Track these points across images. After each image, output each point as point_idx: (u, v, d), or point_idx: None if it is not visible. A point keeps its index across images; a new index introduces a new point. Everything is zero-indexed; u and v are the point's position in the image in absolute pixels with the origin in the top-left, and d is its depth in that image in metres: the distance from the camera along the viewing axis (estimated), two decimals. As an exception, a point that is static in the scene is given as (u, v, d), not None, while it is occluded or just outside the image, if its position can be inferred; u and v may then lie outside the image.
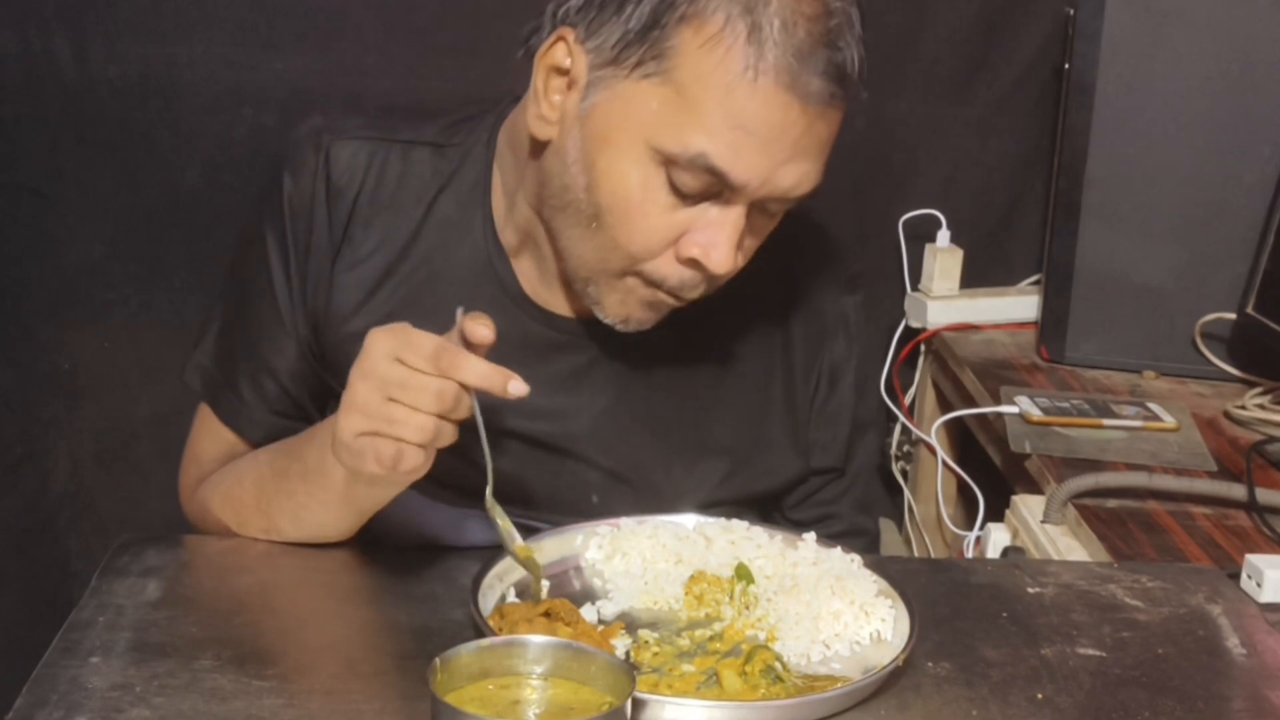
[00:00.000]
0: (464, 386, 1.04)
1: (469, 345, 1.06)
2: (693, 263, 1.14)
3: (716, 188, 1.11)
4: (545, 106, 1.15)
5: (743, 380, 1.32)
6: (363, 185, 1.24)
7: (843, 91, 1.10)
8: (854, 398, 1.38)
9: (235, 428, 1.30)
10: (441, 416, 1.04)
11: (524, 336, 1.25)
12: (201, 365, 1.31)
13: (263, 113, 1.88)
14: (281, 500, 1.20)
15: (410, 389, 1.02)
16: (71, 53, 1.82)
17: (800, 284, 1.34)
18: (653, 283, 1.16)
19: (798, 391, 1.34)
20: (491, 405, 1.23)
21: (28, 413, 1.93)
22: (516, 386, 1.04)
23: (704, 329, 1.29)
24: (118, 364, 1.94)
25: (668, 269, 1.15)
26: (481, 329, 1.04)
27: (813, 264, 1.35)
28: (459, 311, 1.06)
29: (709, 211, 1.13)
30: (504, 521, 1.10)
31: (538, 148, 1.18)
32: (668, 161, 1.10)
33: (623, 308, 1.19)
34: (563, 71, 1.14)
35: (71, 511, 1.97)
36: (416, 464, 1.05)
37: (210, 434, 1.32)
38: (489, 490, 1.10)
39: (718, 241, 1.13)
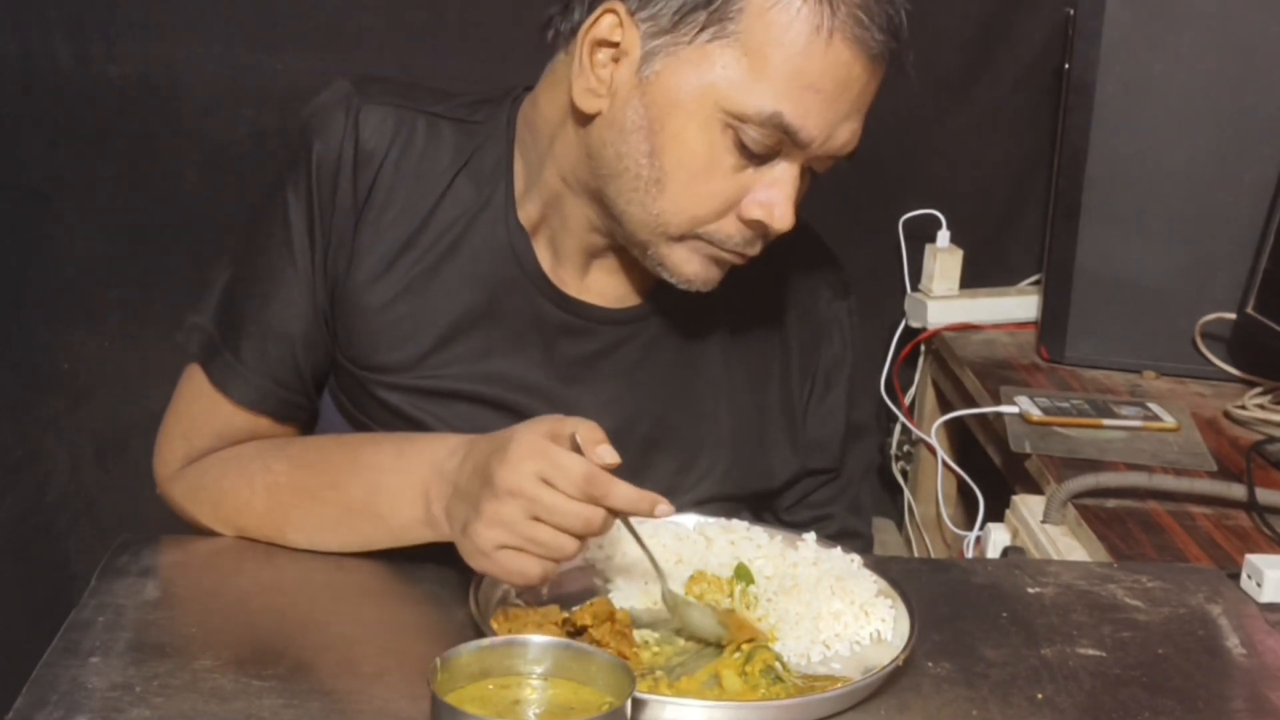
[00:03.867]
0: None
1: None
2: (755, 222, 1.17)
3: (781, 146, 1.14)
4: (593, 80, 1.17)
5: (742, 379, 1.33)
6: (389, 151, 1.24)
7: (898, 45, 1.15)
8: (848, 401, 1.39)
9: (226, 389, 1.26)
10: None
11: (536, 315, 1.26)
12: (198, 325, 1.28)
13: (263, 113, 1.88)
14: (299, 518, 1.20)
15: (559, 514, 1.03)
16: (71, 53, 1.82)
17: (793, 288, 1.35)
18: (713, 242, 1.19)
19: (794, 393, 1.35)
20: (488, 377, 1.25)
21: (27, 413, 1.93)
22: (664, 509, 1.06)
23: (705, 327, 1.31)
24: (118, 364, 1.94)
25: (730, 228, 1.18)
26: (610, 459, 1.04)
27: (805, 269, 1.36)
28: (575, 436, 1.05)
29: (768, 172, 1.16)
30: (693, 602, 1.10)
31: (583, 121, 1.19)
32: (737, 122, 1.13)
33: (687, 266, 1.21)
34: (610, 44, 1.16)
35: (71, 513, 1.97)
36: (554, 576, 1.07)
37: (202, 403, 1.28)
38: (664, 586, 1.10)
39: (778, 200, 1.16)
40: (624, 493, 1.03)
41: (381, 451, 1.18)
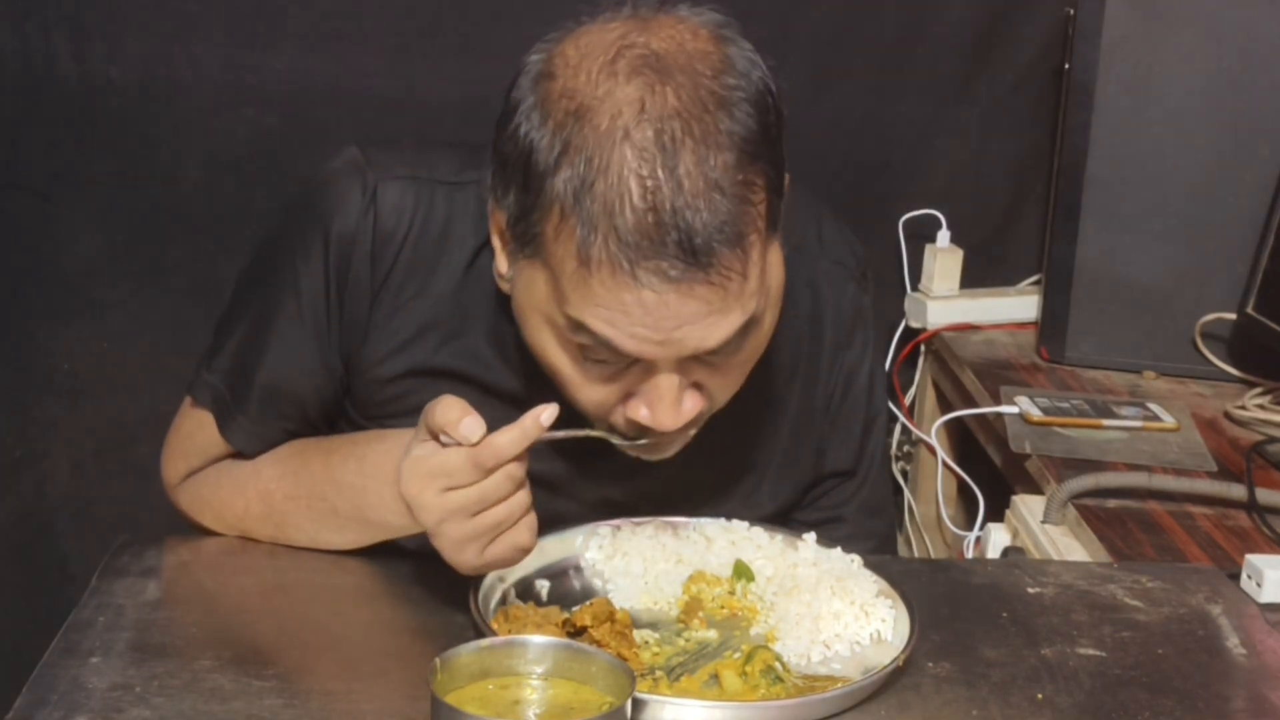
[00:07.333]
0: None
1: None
2: (640, 425, 1.09)
3: (626, 359, 1.05)
4: (501, 262, 1.12)
5: (770, 407, 1.29)
6: (409, 230, 1.20)
7: (711, 259, 0.99)
8: (866, 398, 1.35)
9: (233, 441, 1.25)
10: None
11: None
12: (211, 384, 1.26)
13: (263, 113, 1.88)
14: (298, 520, 1.20)
15: (487, 497, 1.02)
16: (71, 53, 1.82)
17: (820, 289, 1.30)
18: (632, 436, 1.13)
19: (816, 399, 1.31)
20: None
21: (26, 414, 1.93)
22: (548, 416, 1.02)
23: None
24: (118, 364, 1.94)
25: (629, 428, 1.11)
26: (474, 434, 1.01)
27: (830, 269, 1.31)
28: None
29: (644, 373, 1.07)
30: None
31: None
32: (566, 340, 1.07)
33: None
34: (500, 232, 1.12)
35: (70, 514, 1.97)
36: (536, 526, 1.06)
37: (204, 435, 1.28)
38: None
39: (654, 404, 1.07)
40: (510, 440, 1.01)
41: (347, 469, 1.16)
